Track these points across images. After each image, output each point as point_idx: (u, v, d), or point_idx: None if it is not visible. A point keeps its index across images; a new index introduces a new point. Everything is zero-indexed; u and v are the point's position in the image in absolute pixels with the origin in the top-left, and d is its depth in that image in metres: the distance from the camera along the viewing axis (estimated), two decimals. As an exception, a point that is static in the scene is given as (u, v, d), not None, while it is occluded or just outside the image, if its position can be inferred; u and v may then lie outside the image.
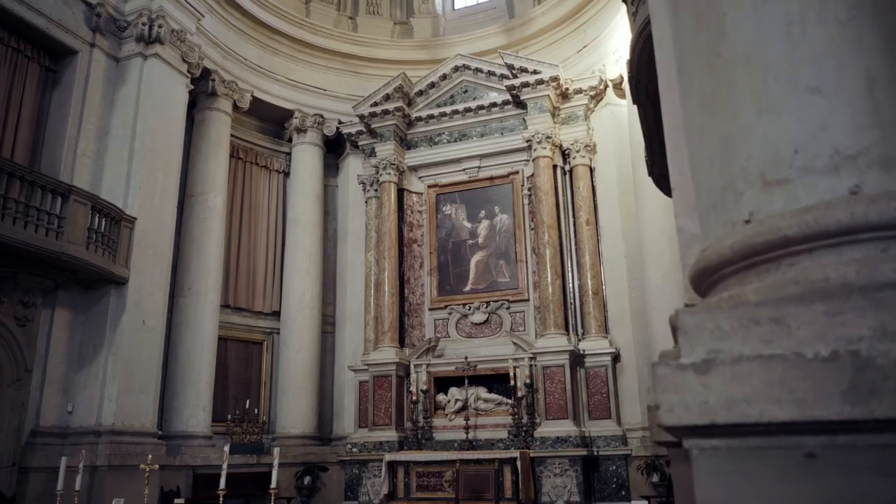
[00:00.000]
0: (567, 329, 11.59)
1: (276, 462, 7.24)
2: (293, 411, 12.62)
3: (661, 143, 5.86)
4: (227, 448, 7.85)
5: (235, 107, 13.20)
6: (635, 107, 11.39)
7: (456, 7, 16.15)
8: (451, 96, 13.69)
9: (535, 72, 12.34)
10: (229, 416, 11.87)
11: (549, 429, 10.77)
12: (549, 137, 12.25)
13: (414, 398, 11.87)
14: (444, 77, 13.69)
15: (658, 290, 10.70)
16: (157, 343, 10.22)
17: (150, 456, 8.82)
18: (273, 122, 14.41)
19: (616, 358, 11.45)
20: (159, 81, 11.01)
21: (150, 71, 10.94)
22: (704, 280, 1.72)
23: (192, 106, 12.81)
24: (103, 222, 9.54)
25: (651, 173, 6.51)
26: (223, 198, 12.46)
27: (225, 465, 7.63)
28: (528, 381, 11.24)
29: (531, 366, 11.39)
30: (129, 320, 9.81)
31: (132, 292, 9.93)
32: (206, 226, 12.02)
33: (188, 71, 11.77)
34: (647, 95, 5.30)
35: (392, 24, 15.67)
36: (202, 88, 12.63)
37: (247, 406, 12.07)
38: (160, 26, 10.94)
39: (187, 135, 12.57)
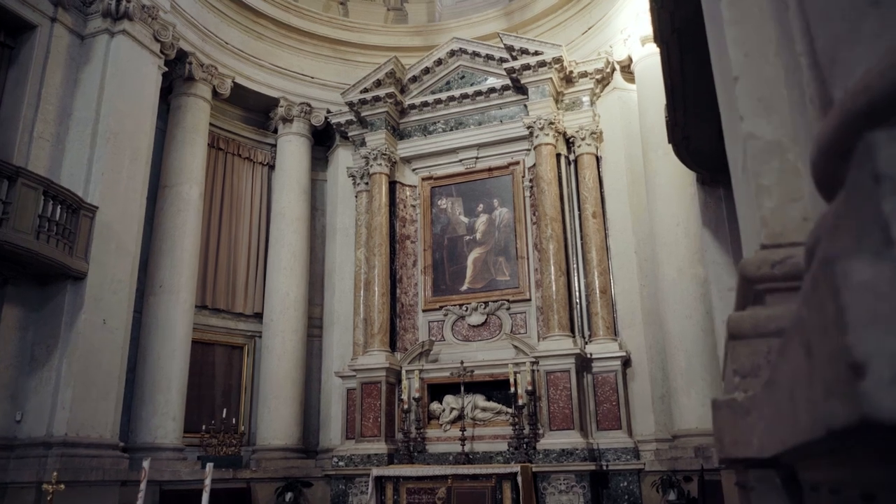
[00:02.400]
0: (572, 331, 10.60)
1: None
2: (275, 421, 11.62)
3: (685, 95, 4.91)
4: (209, 467, 6.88)
5: (215, 93, 12.29)
6: (644, 93, 10.46)
7: (453, -8, 15.26)
8: (447, 82, 12.77)
9: (536, 53, 11.42)
10: (204, 427, 10.87)
11: (554, 440, 9.76)
12: (551, 123, 11.31)
13: (405, 407, 10.87)
14: (439, 62, 12.78)
15: (673, 287, 9.74)
16: (119, 345, 9.24)
17: (104, 470, 7.87)
18: (257, 111, 13.50)
19: (626, 362, 10.44)
20: (127, 60, 10.10)
21: (118, 49, 10.03)
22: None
23: (169, 91, 11.93)
24: (58, 210, 8.59)
25: (672, 137, 5.55)
26: (200, 189, 11.51)
27: (208, 481, 6.69)
28: (530, 387, 10.25)
29: (533, 371, 10.40)
30: (88, 319, 8.84)
31: (91, 288, 8.96)
32: (181, 218, 11.07)
33: (161, 51, 10.86)
34: (673, 29, 4.35)
35: (385, 11, 14.79)
36: (179, 73, 11.73)
37: (223, 415, 11.06)
38: (129, 0, 10.05)
39: (162, 121, 11.68)
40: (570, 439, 9.69)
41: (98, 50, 10.00)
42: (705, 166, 6.01)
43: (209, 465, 6.94)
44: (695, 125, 5.28)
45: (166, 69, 11.10)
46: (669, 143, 5.66)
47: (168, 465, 9.91)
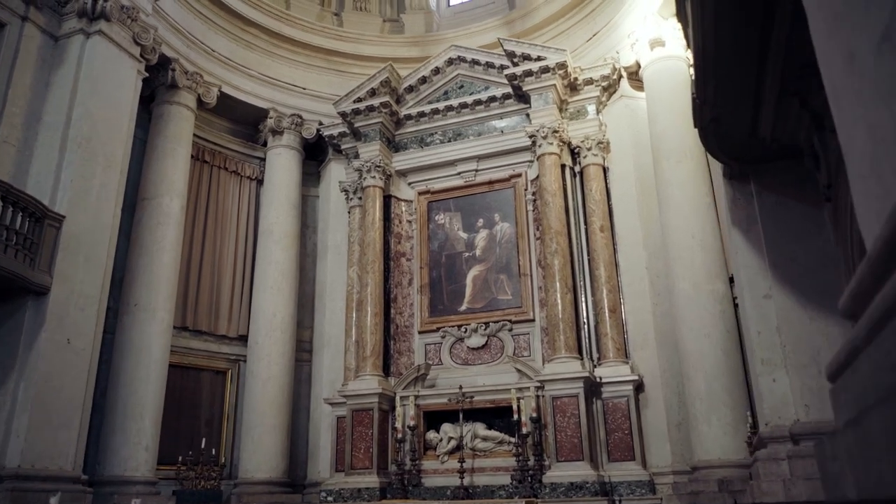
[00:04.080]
0: (580, 353, 9.80)
1: None
2: (259, 452, 10.75)
3: (719, 64, 4.20)
4: None
5: (201, 103, 11.66)
6: (654, 99, 9.78)
7: (451, 3, 14.74)
8: (445, 92, 12.14)
9: (539, 58, 10.81)
10: (180, 458, 9.99)
11: (561, 472, 8.89)
12: (556, 132, 10.64)
13: (399, 436, 10.01)
14: (436, 71, 12.17)
15: (689, 304, 8.97)
16: (84, 367, 8.44)
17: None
18: (245, 123, 12.85)
19: (639, 387, 9.61)
20: (103, 62, 9.47)
21: (93, 50, 9.41)
22: None
23: (151, 100, 11.31)
24: (18, 218, 7.86)
25: (698, 119, 4.83)
26: (181, 202, 10.80)
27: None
28: (534, 414, 9.40)
29: (538, 397, 9.56)
30: (50, 338, 8.05)
31: (55, 304, 8.19)
32: (160, 232, 10.34)
33: (142, 55, 10.25)
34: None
35: (381, 22, 14.25)
36: (161, 80, 11.11)
37: (203, 445, 10.18)
38: (106, 0, 9.46)
39: (144, 131, 11.05)
40: (579, 471, 8.83)
41: (72, 51, 9.38)
42: (735, 155, 5.29)
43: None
44: (727, 104, 4.57)
45: (147, 75, 10.47)
46: (695, 126, 4.95)
47: (138, 500, 9.03)
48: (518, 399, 9.47)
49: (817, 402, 4.82)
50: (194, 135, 11.75)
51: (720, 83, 4.36)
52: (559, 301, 9.81)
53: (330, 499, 9.94)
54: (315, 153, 13.38)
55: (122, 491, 8.93)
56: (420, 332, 11.21)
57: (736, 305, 8.99)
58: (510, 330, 10.68)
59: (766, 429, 4.95)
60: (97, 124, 9.19)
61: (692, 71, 10.29)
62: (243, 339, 11.67)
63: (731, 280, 9.04)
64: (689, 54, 10.24)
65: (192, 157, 11.72)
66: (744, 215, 5.50)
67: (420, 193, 12.00)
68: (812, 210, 5.21)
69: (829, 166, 4.19)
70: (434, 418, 10.32)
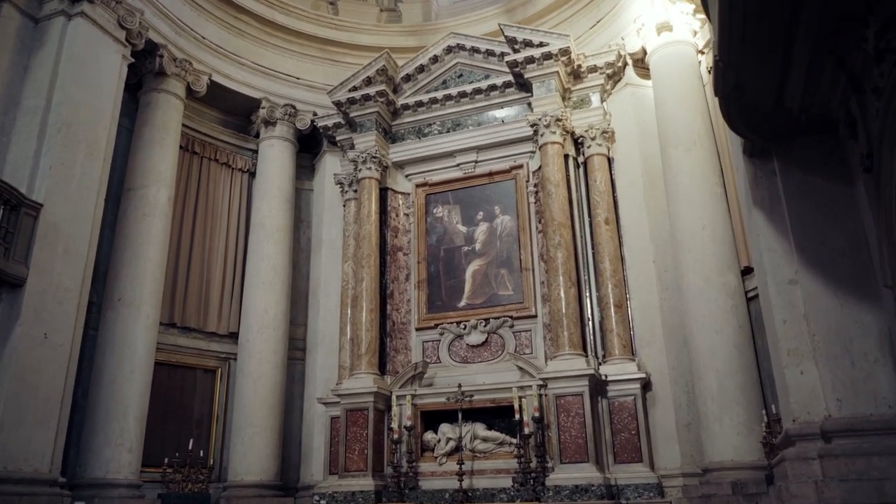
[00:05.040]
0: (584, 350, 9.36)
1: None
2: (249, 454, 10.29)
3: (747, 20, 3.78)
4: None
5: (190, 92, 11.23)
6: (661, 85, 9.36)
7: (450, -8, 14.34)
8: (444, 81, 11.73)
9: (541, 44, 10.39)
10: (166, 460, 9.54)
11: (565, 475, 8.45)
12: (559, 120, 10.22)
13: (395, 437, 9.57)
14: (435, 59, 11.75)
15: (699, 298, 8.55)
16: (62, 363, 8.00)
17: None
18: (237, 114, 12.42)
19: (646, 385, 9.17)
20: (86, 45, 9.05)
21: (75, 32, 8.99)
22: None
23: (139, 88, 10.89)
24: (-8, 205, 7.44)
25: (719, 87, 4.40)
26: (168, 193, 10.37)
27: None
28: (536, 414, 8.96)
29: (541, 395, 9.13)
30: (25, 333, 7.61)
31: (31, 297, 7.75)
32: (145, 224, 9.91)
33: (127, 40, 9.82)
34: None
35: (378, 11, 13.83)
36: (149, 67, 10.68)
37: (190, 446, 9.73)
38: (89, -20, 9.06)
39: (130, 120, 10.64)
40: (584, 473, 8.39)
41: (53, 33, 8.96)
42: (758, 129, 4.87)
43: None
44: (752, 67, 4.15)
45: (133, 60, 10.05)
46: (715, 94, 4.52)
47: (121, 503, 8.59)
48: (520, 398, 9.04)
49: (850, 396, 4.40)
50: (184, 125, 11.33)
51: (746, 41, 3.94)
52: (563, 296, 9.39)
53: (323, 502, 9.50)
54: (309, 145, 12.97)
55: (103, 494, 8.49)
56: (417, 329, 10.77)
57: (749, 299, 8.59)
58: (511, 326, 10.25)
59: (793, 425, 4.53)
60: (79, 110, 8.77)
61: (701, 57, 9.95)
62: (234, 336, 11.22)
63: (744, 273, 8.64)
64: (698, 39, 9.90)
65: (182, 147, 11.29)
66: (766, 195, 5.07)
67: (418, 186, 11.58)
68: (842, 188, 4.80)
69: (869, 133, 3.77)
70: (432, 418, 9.88)
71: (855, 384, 4.41)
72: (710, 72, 9.70)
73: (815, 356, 4.56)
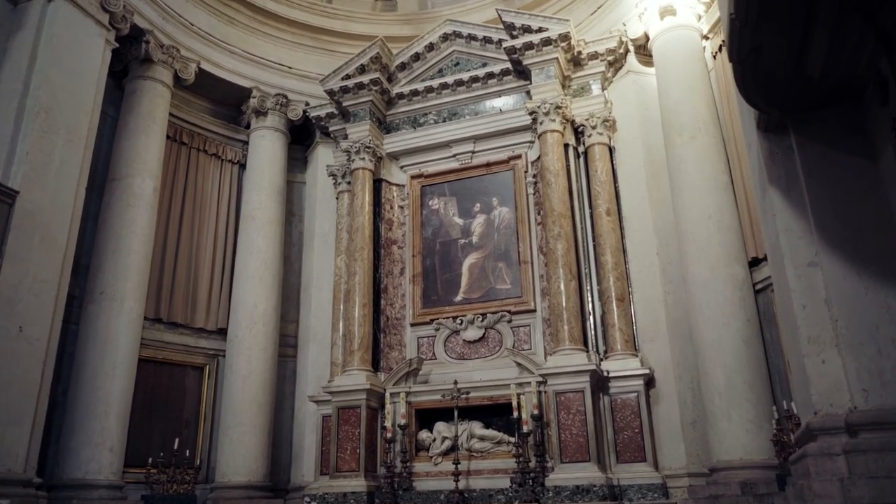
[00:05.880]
0: (586, 345, 9.00)
1: None
2: (238, 454, 9.91)
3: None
4: None
5: (178, 80, 10.87)
6: (664, 70, 9.04)
7: (447, -19, 13.98)
8: (440, 70, 11.38)
9: (540, 30, 10.04)
10: (151, 460, 9.17)
11: (566, 475, 8.08)
12: (558, 108, 9.87)
13: (389, 436, 9.20)
14: (430, 47, 11.41)
15: (705, 290, 8.20)
16: (39, 358, 7.62)
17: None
18: (227, 104, 12.04)
19: (649, 382, 8.82)
20: (66, 27, 8.69)
21: (55, 14, 8.63)
22: None
23: (124, 75, 10.54)
24: (-37, 191, 7.08)
25: (735, 50, 4.05)
26: (154, 183, 10.00)
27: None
28: (536, 411, 8.60)
29: (540, 392, 8.76)
30: (-1, 325, 7.26)
31: (5, 288, 7.37)
32: (129, 215, 9.54)
33: (111, 24, 9.46)
34: None
35: (372, 0, 13.49)
36: (135, 54, 10.33)
37: (175, 446, 9.36)
38: (70, -40, 8.70)
39: (115, 108, 10.30)
40: (585, 473, 8.02)
41: (32, 15, 8.60)
42: (774, 100, 4.51)
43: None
44: (772, 26, 3.80)
45: (117, 45, 9.69)
46: (730, 60, 4.18)
47: (101, 505, 8.23)
48: (518, 395, 8.67)
49: (877, 387, 4.05)
50: (172, 115, 10.98)
51: (765, 2, 3.59)
52: (563, 289, 9.03)
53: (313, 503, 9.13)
54: (302, 137, 12.61)
55: (81, 495, 8.11)
56: (412, 325, 10.41)
57: (756, 292, 8.25)
58: (509, 321, 9.89)
59: (815, 418, 4.17)
60: (58, 94, 8.41)
61: (705, 43, 9.61)
62: (223, 332, 10.84)
63: (752, 264, 8.30)
64: (702, 24, 9.56)
65: (170, 138, 10.94)
66: (782, 172, 4.73)
67: (413, 177, 11.22)
68: (865, 163, 4.45)
69: (903, 94, 3.42)
70: (427, 417, 9.52)
71: (882, 374, 4.06)
72: (714, 57, 9.42)
73: (839, 344, 4.21)
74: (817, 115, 4.61)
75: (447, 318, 10.17)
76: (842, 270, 4.33)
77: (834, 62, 4.02)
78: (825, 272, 4.37)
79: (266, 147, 11.64)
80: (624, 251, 9.57)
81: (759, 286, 8.21)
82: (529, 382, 8.79)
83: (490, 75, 10.84)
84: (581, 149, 10.25)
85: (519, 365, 9.18)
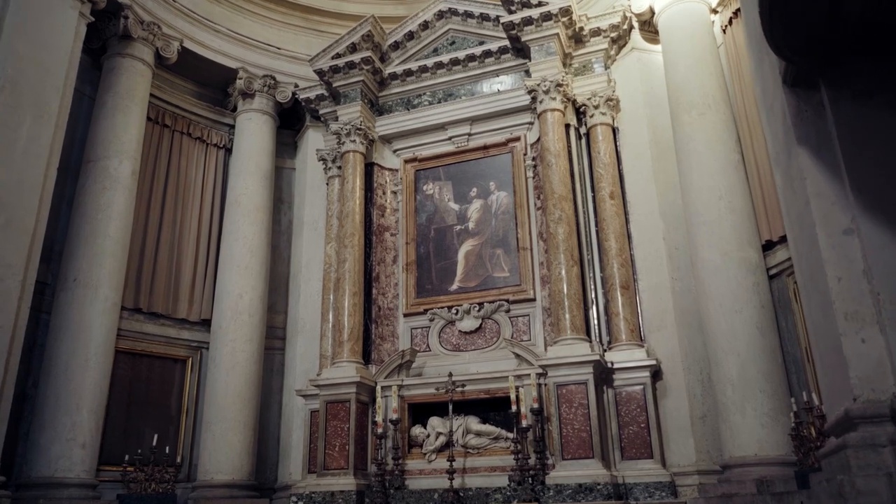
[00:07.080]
0: (588, 335, 8.50)
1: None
2: (221, 451, 9.39)
3: None
4: None
5: (160, 59, 10.36)
6: (671, 44, 8.51)
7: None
8: (435, 49, 10.87)
9: (540, 4, 9.54)
10: (128, 457, 8.66)
11: (567, 472, 7.58)
12: (559, 86, 9.36)
13: (380, 431, 8.69)
14: (425, 25, 10.90)
15: (716, 276, 7.68)
16: (3, 348, 7.06)
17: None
18: (213, 86, 11.54)
19: (656, 374, 8.30)
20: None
21: (24, -16, 8.11)
22: None
23: (103, 52, 10.02)
24: (-82, 167, 6.55)
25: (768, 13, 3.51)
26: (133, 166, 9.48)
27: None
28: (535, 405, 8.10)
29: (540, 385, 8.27)
30: (-42, 313, 6.74)
31: (-35, 273, 6.88)
32: (105, 198, 9.02)
33: (87, -3, 8.95)
34: None
35: (366, -20, 12.96)
36: (113, 30, 9.83)
37: (154, 443, 8.84)
38: (40, -74, 8.18)
39: (93, 87, 9.79)
40: (588, 471, 7.52)
41: (-1, -15, 8.08)
42: (804, 49, 3.99)
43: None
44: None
45: (93, 19, 9.14)
46: (760, 3, 3.65)
47: (71, 505, 7.70)
48: (517, 388, 8.17)
49: (927, 369, 3.53)
50: (155, 97, 10.49)
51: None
52: (564, 275, 8.52)
53: (300, 503, 8.62)
54: (291, 122, 12.10)
55: (49, 495, 7.59)
56: (405, 315, 9.90)
57: (771, 277, 7.74)
58: (507, 311, 9.39)
59: (855, 405, 3.66)
60: (26, 68, 7.87)
61: (714, 17, 9.10)
62: (206, 323, 10.33)
63: (765, 247, 7.79)
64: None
65: (151, 120, 10.43)
66: (812, 131, 4.20)
67: (406, 161, 10.72)
68: (908, 118, 3.93)
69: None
70: (420, 411, 9.02)
71: (932, 354, 3.55)
72: (724, 31, 8.91)
73: (881, 320, 3.70)
74: (853, 66, 4.10)
75: (442, 307, 9.66)
76: (883, 238, 3.81)
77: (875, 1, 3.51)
78: (863, 240, 3.85)
79: (253, 130, 11.13)
80: (628, 236, 9.06)
81: (772, 272, 7.70)
82: (529, 374, 8.29)
83: (487, 53, 10.33)
84: (583, 130, 9.74)
85: (518, 356, 8.67)
